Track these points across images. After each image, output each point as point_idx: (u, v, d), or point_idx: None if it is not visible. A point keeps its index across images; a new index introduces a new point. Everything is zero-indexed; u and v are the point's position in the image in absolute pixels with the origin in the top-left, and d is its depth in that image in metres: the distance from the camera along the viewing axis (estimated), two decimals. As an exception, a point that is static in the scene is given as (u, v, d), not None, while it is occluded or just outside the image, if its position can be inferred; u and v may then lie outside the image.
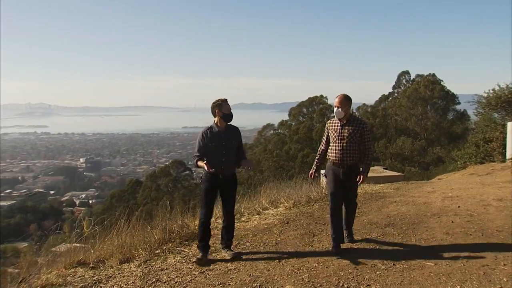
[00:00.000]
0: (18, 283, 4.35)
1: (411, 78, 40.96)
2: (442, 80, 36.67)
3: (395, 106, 37.60)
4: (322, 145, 5.54)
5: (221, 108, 5.18)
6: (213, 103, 5.21)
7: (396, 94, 41.36)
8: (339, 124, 5.31)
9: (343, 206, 5.47)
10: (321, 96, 38.63)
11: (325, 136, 5.50)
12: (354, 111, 37.37)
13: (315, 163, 5.63)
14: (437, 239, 5.63)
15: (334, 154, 5.29)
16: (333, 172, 5.34)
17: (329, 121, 5.52)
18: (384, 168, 15.91)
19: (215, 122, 5.25)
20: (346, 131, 5.23)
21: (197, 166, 5.20)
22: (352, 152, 5.22)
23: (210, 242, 5.73)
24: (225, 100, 5.21)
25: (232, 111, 5.29)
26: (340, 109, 5.20)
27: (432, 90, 35.35)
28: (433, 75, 37.18)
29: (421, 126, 35.74)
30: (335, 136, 5.30)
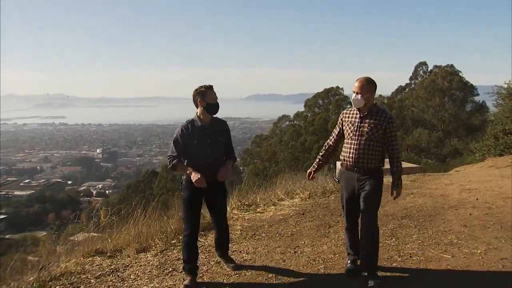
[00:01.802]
0: (39, 270, 4.43)
1: (429, 69, 40.45)
2: (460, 71, 36.15)
3: (412, 97, 37.19)
4: (331, 140, 4.40)
5: (204, 97, 4.22)
6: (195, 90, 4.26)
7: (413, 85, 40.88)
8: (358, 116, 4.13)
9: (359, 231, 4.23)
10: (337, 87, 38.36)
11: (338, 129, 4.34)
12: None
13: (316, 160, 4.47)
14: (455, 231, 5.58)
15: (348, 154, 4.13)
16: (346, 179, 4.21)
17: (345, 111, 4.32)
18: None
19: (198, 114, 4.29)
20: (367, 125, 4.05)
21: (175, 170, 4.37)
22: (371, 153, 4.06)
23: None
24: (210, 87, 4.26)
25: (217, 100, 4.31)
26: (359, 95, 4.01)
27: (450, 81, 34.87)
28: (451, 66, 36.68)
29: (438, 118, 35.32)
30: (351, 131, 4.13)
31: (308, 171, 4.45)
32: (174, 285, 4.25)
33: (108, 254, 5.13)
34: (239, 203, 7.21)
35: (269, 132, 44.29)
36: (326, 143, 4.44)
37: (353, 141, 4.10)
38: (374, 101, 4.18)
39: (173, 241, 5.49)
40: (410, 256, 4.77)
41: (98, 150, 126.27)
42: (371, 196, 4.07)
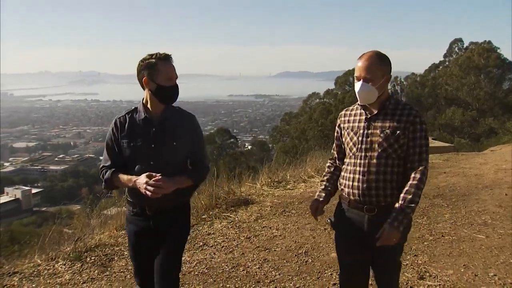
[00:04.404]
0: (75, 241, 4.57)
1: (464, 46, 39.25)
2: (498, 48, 34.92)
3: (445, 75, 36.20)
4: (333, 158, 2.80)
5: (153, 74, 2.56)
6: (140, 61, 2.60)
7: (447, 63, 39.81)
8: (363, 117, 2.54)
9: None
10: (369, 64, 37.73)
11: (335, 142, 2.77)
12: (394, 89, 36.30)
13: (321, 187, 2.75)
14: (489, 211, 5.47)
15: (351, 183, 2.53)
16: (350, 222, 2.56)
17: (343, 112, 2.73)
18: (433, 139, 15.49)
19: (143, 101, 2.67)
20: (379, 131, 2.46)
21: (112, 187, 2.74)
22: (390, 178, 2.45)
23: (256, 208, 5.81)
24: (165, 57, 2.57)
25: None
26: (369, 83, 2.42)
27: (486, 58, 33.76)
28: (489, 42, 35.44)
29: (473, 96, 34.35)
30: (353, 144, 2.55)
31: (312, 206, 2.69)
32: (205, 259, 4.31)
33: (140, 227, 5.23)
34: (269, 180, 7.24)
35: (298, 109, 44.06)
36: (327, 164, 2.85)
37: (358, 160, 2.51)
38: (389, 91, 2.60)
39: (203, 216, 5.56)
40: (442, 236, 4.71)
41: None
42: (390, 256, 2.54)
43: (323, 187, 2.73)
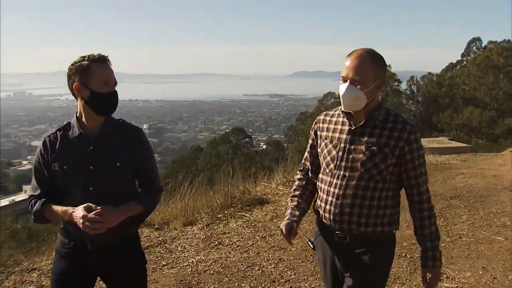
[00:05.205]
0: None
1: (483, 45, 38.75)
2: (518, 46, 34.43)
3: (463, 75, 35.79)
4: (305, 170, 2.38)
5: (87, 79, 2.08)
6: (71, 65, 2.11)
7: (465, 62, 39.35)
8: (346, 127, 2.13)
9: None
10: (384, 64, 37.39)
11: (309, 150, 2.35)
12: (410, 89, 35.95)
13: (293, 204, 2.32)
14: (508, 213, 5.39)
15: (324, 205, 2.15)
16: (324, 248, 2.26)
17: (322, 117, 2.30)
18: (449, 139, 15.33)
19: (77, 114, 2.18)
20: (363, 147, 2.05)
21: (43, 221, 2.21)
22: (371, 204, 2.06)
23: (271, 208, 5.81)
24: (100, 59, 2.10)
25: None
26: (358, 85, 2.01)
27: (506, 58, 33.28)
28: (508, 41, 34.97)
29: (492, 96, 33.90)
30: (331, 158, 2.13)
31: (286, 226, 2.17)
32: (220, 258, 4.32)
33: (156, 226, 5.26)
34: (284, 179, 7.22)
35: (314, 109, 43.95)
36: (300, 175, 2.41)
37: (335, 180, 2.11)
38: (380, 98, 2.16)
39: (219, 215, 5.57)
40: (460, 237, 4.66)
41: (144, 126, 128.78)
42: None
43: (295, 203, 2.30)
